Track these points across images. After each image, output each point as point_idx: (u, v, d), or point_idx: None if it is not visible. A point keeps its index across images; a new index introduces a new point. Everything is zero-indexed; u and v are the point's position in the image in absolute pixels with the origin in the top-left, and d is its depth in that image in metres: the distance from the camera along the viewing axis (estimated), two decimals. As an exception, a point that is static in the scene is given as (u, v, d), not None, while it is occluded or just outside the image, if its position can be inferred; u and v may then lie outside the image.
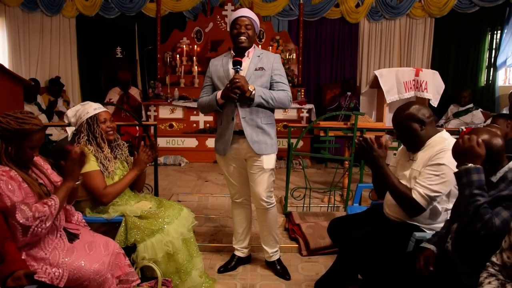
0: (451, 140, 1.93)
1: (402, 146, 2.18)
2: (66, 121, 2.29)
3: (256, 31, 2.42)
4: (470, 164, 1.51)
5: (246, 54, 2.39)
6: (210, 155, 5.34)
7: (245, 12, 2.37)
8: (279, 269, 2.60)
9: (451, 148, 1.81)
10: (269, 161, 2.41)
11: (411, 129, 1.98)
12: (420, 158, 1.99)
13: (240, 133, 2.37)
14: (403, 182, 2.04)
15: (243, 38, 2.33)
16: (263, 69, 2.37)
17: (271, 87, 2.40)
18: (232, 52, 2.44)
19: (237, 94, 2.25)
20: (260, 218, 2.58)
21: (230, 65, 2.36)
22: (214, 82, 2.44)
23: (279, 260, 2.65)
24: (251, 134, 2.35)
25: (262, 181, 2.43)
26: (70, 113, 2.30)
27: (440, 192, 1.87)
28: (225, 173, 2.58)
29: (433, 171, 1.87)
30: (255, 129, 2.36)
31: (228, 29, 2.45)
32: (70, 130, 2.31)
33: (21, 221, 1.53)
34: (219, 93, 2.34)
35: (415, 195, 1.88)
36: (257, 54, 2.41)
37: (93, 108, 2.27)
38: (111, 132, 2.29)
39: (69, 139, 2.34)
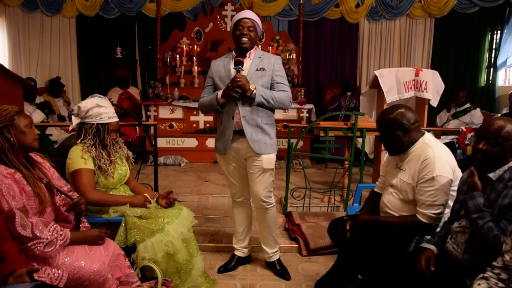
0: (433, 145, 1.93)
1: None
2: (76, 111, 2.22)
3: (258, 33, 2.43)
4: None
5: (247, 55, 2.40)
6: (210, 155, 5.33)
7: (248, 14, 2.39)
8: (279, 269, 2.61)
9: (436, 155, 1.85)
10: (268, 161, 2.41)
11: (393, 136, 1.97)
12: (407, 168, 1.98)
13: (240, 133, 2.38)
14: (393, 190, 2.04)
15: (245, 39, 2.35)
16: (264, 69, 2.38)
17: (271, 88, 2.41)
18: (233, 53, 2.45)
19: (238, 93, 2.26)
20: (260, 218, 2.58)
21: (232, 66, 2.37)
22: (215, 82, 2.45)
23: (279, 260, 2.65)
24: (251, 133, 2.36)
25: (262, 181, 2.43)
26: (83, 106, 2.19)
27: (446, 202, 1.89)
28: (225, 173, 2.59)
29: (430, 187, 1.87)
30: (255, 128, 2.36)
31: (228, 29, 2.46)
32: (75, 120, 2.23)
33: (17, 228, 1.55)
34: (220, 93, 2.35)
35: (427, 218, 1.88)
36: (258, 55, 2.43)
37: (108, 116, 2.24)
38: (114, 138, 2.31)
39: (71, 127, 2.27)
